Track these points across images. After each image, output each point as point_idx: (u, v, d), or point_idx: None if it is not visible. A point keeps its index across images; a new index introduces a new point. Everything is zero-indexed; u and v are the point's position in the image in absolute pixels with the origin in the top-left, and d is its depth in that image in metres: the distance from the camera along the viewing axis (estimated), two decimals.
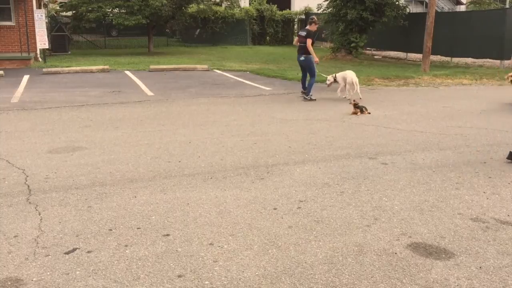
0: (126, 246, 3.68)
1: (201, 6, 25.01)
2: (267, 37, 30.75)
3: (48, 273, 3.28)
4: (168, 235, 3.88)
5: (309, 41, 10.42)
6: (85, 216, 4.25)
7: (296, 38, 10.54)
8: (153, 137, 7.17)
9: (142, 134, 7.36)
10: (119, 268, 3.35)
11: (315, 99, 10.56)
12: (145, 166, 5.73)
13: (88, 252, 3.58)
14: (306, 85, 10.83)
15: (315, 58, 10.61)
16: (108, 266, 3.37)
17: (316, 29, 10.72)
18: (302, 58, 10.72)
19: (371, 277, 3.26)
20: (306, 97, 10.61)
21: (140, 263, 3.42)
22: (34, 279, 3.20)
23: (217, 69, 16.54)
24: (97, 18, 21.38)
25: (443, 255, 3.57)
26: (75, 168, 5.61)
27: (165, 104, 10.12)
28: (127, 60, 18.53)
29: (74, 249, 3.62)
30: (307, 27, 10.73)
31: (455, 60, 20.09)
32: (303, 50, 10.59)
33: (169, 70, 16.20)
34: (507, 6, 25.24)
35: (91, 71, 15.55)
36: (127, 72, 15.37)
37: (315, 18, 10.71)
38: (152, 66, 16.36)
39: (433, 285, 3.16)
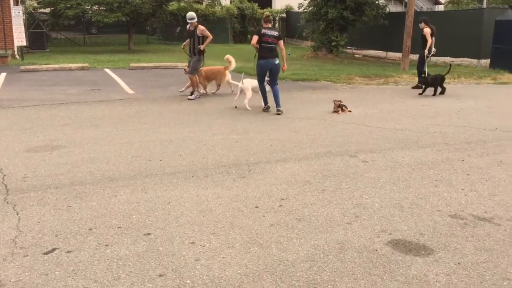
0: (106, 245, 3.64)
1: (182, 4, 24.90)
2: (249, 35, 30.73)
3: (27, 273, 3.23)
4: (149, 234, 3.85)
5: (282, 43, 9.05)
6: (64, 215, 4.19)
7: (255, 38, 8.84)
8: (133, 135, 7.11)
9: (123, 132, 7.29)
10: (99, 268, 3.31)
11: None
12: (125, 165, 5.68)
13: (68, 252, 3.53)
14: (275, 98, 9.06)
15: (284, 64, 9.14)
16: (88, 266, 3.33)
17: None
18: (277, 61, 8.90)
19: (352, 274, 3.28)
20: (280, 109, 8.94)
21: (120, 263, 3.39)
22: (13, 280, 3.15)
23: None
24: (75, 15, 21.08)
25: (423, 252, 3.62)
26: (54, 167, 5.53)
27: (146, 102, 10.04)
28: (107, 58, 18.32)
29: (53, 249, 3.57)
30: (266, 24, 8.96)
31: (434, 59, 20.32)
32: (274, 52, 8.91)
33: (149, 68, 16.06)
34: (484, 6, 25.69)
35: (70, 69, 15.33)
36: (107, 70, 15.20)
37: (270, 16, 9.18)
38: (132, 64, 16.21)
39: (413, 281, 3.20)
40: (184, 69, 10.83)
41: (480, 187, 5.06)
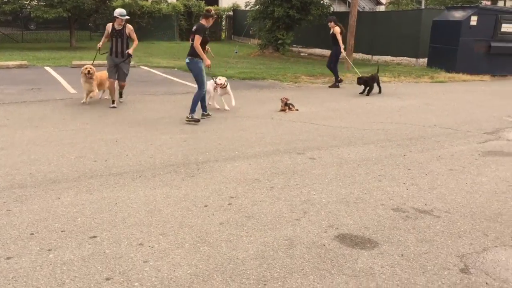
0: (49, 250, 3.51)
1: (126, 0, 24.34)
2: None
3: None
4: (95, 237, 3.74)
5: (197, 39, 7.76)
6: (3, 220, 4.00)
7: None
8: (77, 136, 6.88)
9: (65, 133, 7.04)
10: (42, 274, 3.19)
11: (199, 120, 7.96)
12: (69, 166, 5.48)
13: (7, 258, 3.37)
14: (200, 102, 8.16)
15: (205, 61, 7.87)
16: (30, 272, 3.20)
17: (211, 23, 8.13)
18: (187, 60, 8.03)
19: (301, 269, 3.34)
20: (188, 116, 7.94)
21: (65, 268, 3.27)
22: None
23: (144, 65, 16.16)
24: (13, 10, 20.13)
25: (368, 245, 3.73)
26: None
27: (89, 102, 9.73)
28: (47, 55, 17.62)
29: None
30: (201, 20, 8.00)
31: (376, 58, 21.03)
32: (191, 50, 7.96)
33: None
34: (423, 7, 26.77)
35: (7, 67, 14.62)
36: (47, 68, 14.62)
37: (213, 11, 8.09)
38: (74, 62, 15.67)
39: (360, 274, 3.30)
40: (88, 72, 8.96)
41: (421, 181, 5.28)
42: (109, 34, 9.05)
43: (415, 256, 3.58)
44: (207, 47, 8.22)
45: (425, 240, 3.85)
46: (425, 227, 4.08)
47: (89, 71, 9.00)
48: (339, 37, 12.37)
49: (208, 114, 8.42)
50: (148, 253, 3.51)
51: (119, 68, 9.13)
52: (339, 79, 12.77)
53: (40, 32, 26.68)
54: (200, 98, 8.08)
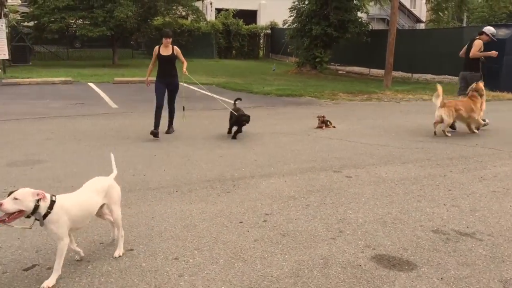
0: (88, 261, 3.59)
1: (167, 19, 25.01)
2: (233, 51, 31.01)
3: None
4: (132, 250, 3.80)
5: None
6: (44, 231, 4.10)
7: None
8: (117, 150, 7.04)
9: (106, 147, 7.22)
10: (80, 285, 3.25)
11: None
12: None
13: (48, 268, 3.46)
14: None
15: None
16: (69, 283, 3.27)
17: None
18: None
19: None
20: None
21: (103, 279, 3.33)
22: None
23: (183, 82, 16.45)
24: (59, 29, 21.03)
25: (406, 267, 3.63)
26: (35, 182, 5.43)
27: (130, 117, 9.98)
28: (91, 72, 18.23)
29: (33, 266, 3.50)
30: None
31: (416, 76, 20.71)
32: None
33: (134, 82, 16.02)
34: (464, 25, 26.28)
35: (53, 83, 15.22)
36: (91, 84, 15.11)
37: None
38: (116, 79, 16.15)
39: None
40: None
41: (462, 203, 5.11)
42: None
43: (455, 280, 3.45)
44: None
45: (466, 263, 3.71)
46: (467, 250, 3.94)
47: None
48: (182, 57, 9.42)
49: None
50: (183, 267, 3.53)
51: None
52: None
53: (85, 50, 27.72)
54: None
